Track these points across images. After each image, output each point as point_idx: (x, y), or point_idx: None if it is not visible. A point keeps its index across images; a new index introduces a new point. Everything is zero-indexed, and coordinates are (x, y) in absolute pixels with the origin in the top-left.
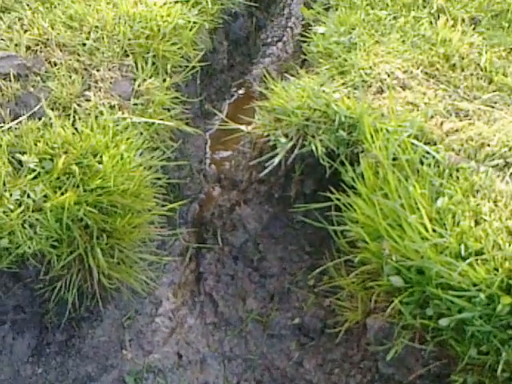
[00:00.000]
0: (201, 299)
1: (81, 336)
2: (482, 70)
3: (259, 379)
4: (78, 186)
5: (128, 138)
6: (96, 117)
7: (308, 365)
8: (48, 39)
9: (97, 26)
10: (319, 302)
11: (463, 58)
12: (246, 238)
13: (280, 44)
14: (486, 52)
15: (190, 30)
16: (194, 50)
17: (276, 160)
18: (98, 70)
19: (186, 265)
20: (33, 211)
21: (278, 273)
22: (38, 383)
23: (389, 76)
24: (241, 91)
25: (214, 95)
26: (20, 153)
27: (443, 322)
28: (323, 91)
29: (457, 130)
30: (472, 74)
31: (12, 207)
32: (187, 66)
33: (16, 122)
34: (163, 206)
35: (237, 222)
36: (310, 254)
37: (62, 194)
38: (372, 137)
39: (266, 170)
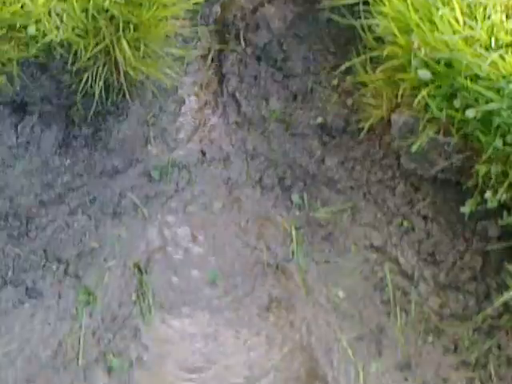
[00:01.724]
0: (224, 99)
1: (107, 130)
2: None
3: (281, 176)
4: None
5: None
6: None
7: (330, 162)
8: None
9: None
10: (343, 101)
11: None
12: (270, 38)
13: None
14: None
15: None
16: None
17: None
18: None
19: (209, 66)
20: (58, 0)
21: (301, 73)
22: (66, 173)
23: None
24: None
25: None
26: None
27: (470, 112)
28: None
29: None
30: None
31: None
32: None
33: None
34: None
35: (260, 21)
36: (335, 54)
37: None
38: None
39: None
